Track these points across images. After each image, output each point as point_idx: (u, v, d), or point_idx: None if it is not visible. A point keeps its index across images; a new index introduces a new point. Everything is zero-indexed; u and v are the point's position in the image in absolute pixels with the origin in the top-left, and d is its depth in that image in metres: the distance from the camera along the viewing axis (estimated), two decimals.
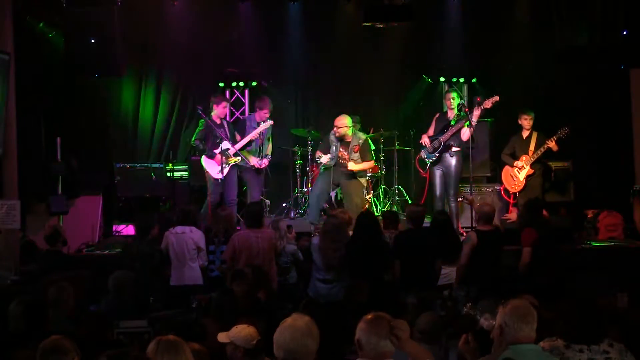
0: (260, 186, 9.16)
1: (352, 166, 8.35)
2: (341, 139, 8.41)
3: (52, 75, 9.33)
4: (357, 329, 3.13)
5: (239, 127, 8.98)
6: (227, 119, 9.18)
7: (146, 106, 10.53)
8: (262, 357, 3.80)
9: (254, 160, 8.81)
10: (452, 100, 8.69)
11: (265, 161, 8.97)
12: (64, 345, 3.28)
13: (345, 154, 8.38)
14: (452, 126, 8.60)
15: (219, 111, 8.71)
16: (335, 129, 8.41)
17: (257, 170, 8.92)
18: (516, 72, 10.16)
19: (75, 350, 3.28)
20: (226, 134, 8.65)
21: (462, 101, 9.21)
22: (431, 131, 8.88)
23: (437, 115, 8.93)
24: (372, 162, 8.64)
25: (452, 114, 8.73)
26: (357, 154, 8.35)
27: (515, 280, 6.49)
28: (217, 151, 8.56)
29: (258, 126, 8.70)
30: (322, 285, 6.55)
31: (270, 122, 8.78)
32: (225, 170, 8.49)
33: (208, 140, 8.67)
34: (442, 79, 10.64)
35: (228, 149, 8.58)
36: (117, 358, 2.85)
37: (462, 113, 8.59)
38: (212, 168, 8.65)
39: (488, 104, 8.50)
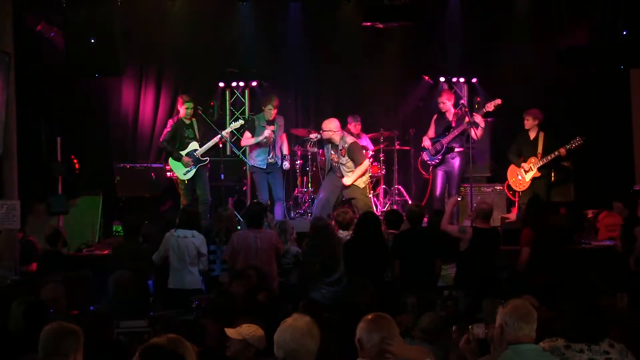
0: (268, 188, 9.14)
1: (347, 181, 8.43)
2: (331, 143, 8.46)
3: (52, 75, 9.33)
4: (358, 328, 3.13)
5: (248, 126, 8.94)
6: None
7: (146, 106, 10.53)
8: (265, 359, 3.80)
9: (254, 162, 8.84)
10: (444, 104, 8.75)
11: (287, 164, 9.06)
12: (70, 327, 3.28)
13: (336, 157, 8.43)
14: (454, 128, 8.63)
15: (182, 112, 8.79)
16: (321, 132, 8.48)
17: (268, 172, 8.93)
18: (516, 72, 10.15)
19: (78, 340, 3.27)
20: (195, 134, 8.75)
21: (462, 101, 9.23)
22: (431, 133, 8.91)
23: (435, 116, 8.96)
24: (365, 164, 8.52)
25: (451, 115, 8.76)
26: (346, 157, 8.37)
27: (514, 280, 6.49)
28: (184, 152, 8.67)
29: (267, 124, 8.69)
30: (327, 287, 6.54)
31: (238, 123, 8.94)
32: (192, 172, 8.64)
33: (176, 141, 8.73)
34: (442, 79, 10.63)
35: (195, 149, 8.66)
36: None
37: (461, 113, 8.63)
38: (179, 170, 8.74)
39: (490, 106, 8.55)
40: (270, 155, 8.80)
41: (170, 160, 8.87)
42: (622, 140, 9.55)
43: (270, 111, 8.69)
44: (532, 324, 3.41)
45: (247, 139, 8.88)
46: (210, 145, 8.80)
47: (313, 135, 8.62)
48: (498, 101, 8.55)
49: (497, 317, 3.47)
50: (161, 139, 8.94)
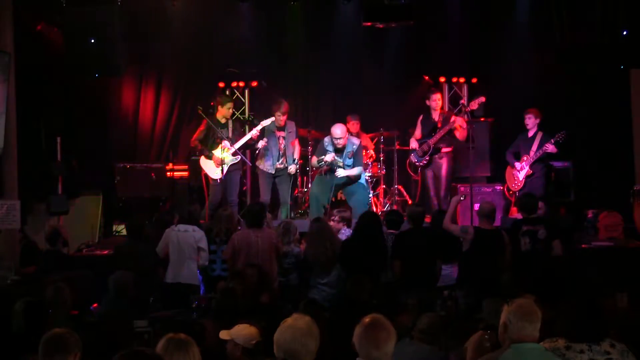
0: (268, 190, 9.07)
1: (340, 172, 8.37)
2: (336, 147, 8.40)
3: (52, 75, 9.33)
4: (355, 332, 3.12)
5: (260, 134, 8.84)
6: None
7: (146, 106, 10.52)
8: (262, 358, 3.81)
9: (262, 166, 8.77)
10: (437, 102, 8.75)
11: (293, 168, 8.91)
12: (68, 341, 3.28)
13: (340, 161, 8.38)
14: (439, 128, 8.67)
15: (224, 112, 8.64)
16: (333, 140, 8.36)
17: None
18: (516, 72, 10.15)
19: (77, 346, 3.28)
20: (228, 135, 8.61)
21: (462, 101, 9.25)
22: (418, 133, 8.95)
23: (421, 117, 8.99)
24: (361, 168, 8.54)
25: (437, 115, 8.80)
26: (352, 159, 8.37)
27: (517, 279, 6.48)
28: (215, 152, 8.55)
29: (278, 130, 8.57)
30: (326, 288, 6.53)
31: (269, 120, 8.61)
32: (224, 171, 8.52)
33: (208, 140, 8.64)
34: (442, 79, 10.63)
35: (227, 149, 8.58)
36: (131, 357, 2.84)
37: (448, 114, 8.73)
38: (210, 169, 8.63)
39: (474, 105, 8.61)
40: (280, 161, 8.73)
41: (202, 159, 8.72)
42: (622, 140, 9.54)
43: (280, 117, 8.58)
44: (535, 323, 3.40)
45: (263, 143, 8.67)
46: (245, 141, 8.56)
47: (329, 157, 8.34)
48: (482, 99, 8.58)
49: (502, 315, 3.46)
50: (193, 138, 8.79)
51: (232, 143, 8.56)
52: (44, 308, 4.68)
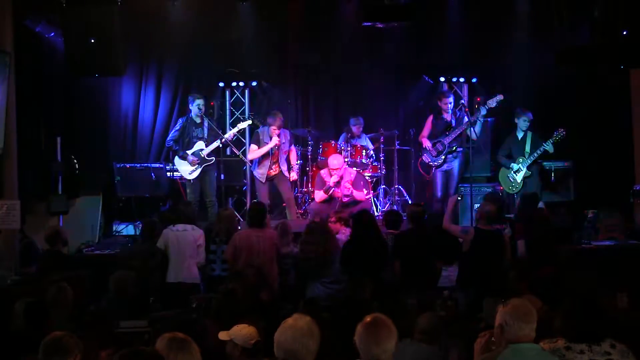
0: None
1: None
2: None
3: (52, 75, 9.33)
4: (356, 330, 3.12)
5: (254, 138, 8.92)
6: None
7: (146, 106, 10.52)
8: (261, 358, 3.81)
9: (256, 173, 8.83)
10: (449, 105, 8.75)
11: (294, 175, 9.05)
12: (67, 343, 3.28)
13: (338, 192, 8.52)
14: (454, 128, 8.64)
15: (193, 110, 8.72)
16: (331, 170, 8.46)
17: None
18: (516, 72, 10.15)
19: (78, 348, 3.28)
20: (203, 134, 8.69)
21: (462, 101, 9.25)
22: (426, 132, 8.92)
23: (431, 117, 8.97)
24: (363, 192, 8.60)
25: (448, 116, 8.78)
26: (351, 186, 8.46)
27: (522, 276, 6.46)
28: (189, 151, 8.60)
29: (270, 140, 8.65)
30: (324, 288, 6.53)
31: (246, 123, 8.93)
32: (197, 171, 8.54)
33: (183, 140, 8.69)
34: (442, 79, 10.63)
35: (201, 149, 8.61)
36: (131, 357, 2.83)
37: (460, 113, 8.66)
38: (184, 168, 8.69)
39: (493, 102, 8.56)
40: (273, 169, 8.77)
41: (176, 159, 8.82)
42: (622, 140, 9.54)
43: (276, 131, 8.64)
44: (532, 323, 3.41)
45: (254, 152, 8.78)
46: (216, 146, 8.74)
47: (335, 179, 8.49)
48: (500, 97, 8.55)
49: (497, 316, 3.47)
50: (169, 138, 8.90)
51: (207, 143, 8.64)
52: (44, 308, 4.68)
